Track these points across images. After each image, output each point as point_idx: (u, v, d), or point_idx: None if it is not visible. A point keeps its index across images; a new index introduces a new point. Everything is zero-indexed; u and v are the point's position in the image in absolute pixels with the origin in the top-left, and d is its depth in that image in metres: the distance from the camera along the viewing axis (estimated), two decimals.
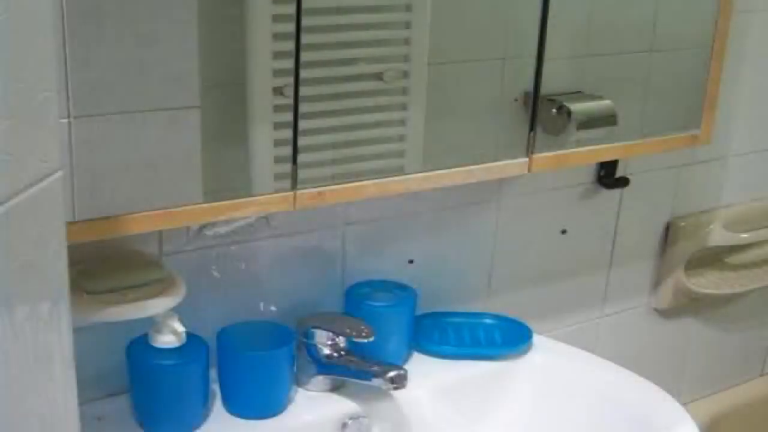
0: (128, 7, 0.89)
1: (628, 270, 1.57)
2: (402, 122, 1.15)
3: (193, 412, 1.07)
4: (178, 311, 1.03)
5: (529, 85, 1.21)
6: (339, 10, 1.06)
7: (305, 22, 1.00)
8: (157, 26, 0.91)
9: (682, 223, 1.59)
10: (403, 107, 1.14)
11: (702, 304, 1.70)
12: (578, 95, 1.25)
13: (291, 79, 1.01)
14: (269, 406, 1.11)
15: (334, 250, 1.23)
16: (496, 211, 1.37)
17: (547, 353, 1.27)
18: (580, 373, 1.25)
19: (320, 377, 1.15)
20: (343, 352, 1.13)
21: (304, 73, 1.02)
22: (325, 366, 1.14)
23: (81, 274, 0.99)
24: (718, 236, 1.63)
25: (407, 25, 1.12)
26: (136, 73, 0.91)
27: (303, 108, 1.03)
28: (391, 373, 1.09)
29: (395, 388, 1.10)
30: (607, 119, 1.28)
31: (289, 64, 1.01)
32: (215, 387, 1.11)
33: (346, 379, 1.15)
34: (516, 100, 1.21)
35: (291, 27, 1.00)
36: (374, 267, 1.25)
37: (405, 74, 1.12)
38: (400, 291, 1.23)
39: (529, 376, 1.24)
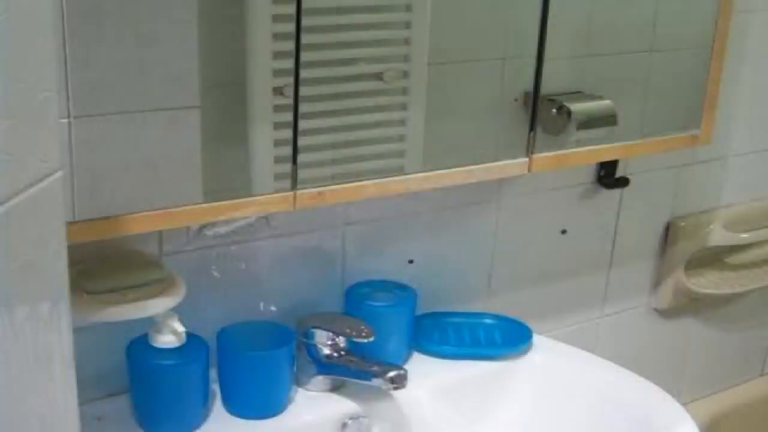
0: (128, 7, 0.89)
1: (628, 270, 1.57)
2: (402, 122, 1.15)
3: (193, 412, 1.07)
4: (178, 311, 1.03)
5: (529, 85, 1.21)
6: (339, 10, 1.06)
7: (305, 22, 1.00)
8: (157, 26, 0.91)
9: (682, 223, 1.59)
10: (403, 107, 1.14)
11: (702, 304, 1.70)
12: (578, 95, 1.25)
13: (291, 79, 1.01)
14: (269, 406, 1.11)
15: (334, 250, 1.23)
16: (496, 211, 1.37)
17: (547, 353, 1.27)
18: (580, 373, 1.25)
19: (320, 377, 1.15)
20: (343, 352, 1.13)
21: (304, 73, 1.02)
22: (325, 366, 1.14)
23: (81, 274, 0.99)
24: (718, 236, 1.63)
25: (407, 25, 1.12)
26: (136, 73, 0.91)
27: (303, 108, 1.03)
28: (391, 373, 1.09)
29: (395, 388, 1.10)
30: (607, 119, 1.28)
31: (289, 64, 1.01)
32: (215, 387, 1.11)
33: (346, 379, 1.15)
34: (516, 100, 1.21)
35: (291, 27, 1.00)
36: (374, 267, 1.25)
37: (405, 74, 1.12)
38: (400, 291, 1.23)
39: (529, 376, 1.24)
